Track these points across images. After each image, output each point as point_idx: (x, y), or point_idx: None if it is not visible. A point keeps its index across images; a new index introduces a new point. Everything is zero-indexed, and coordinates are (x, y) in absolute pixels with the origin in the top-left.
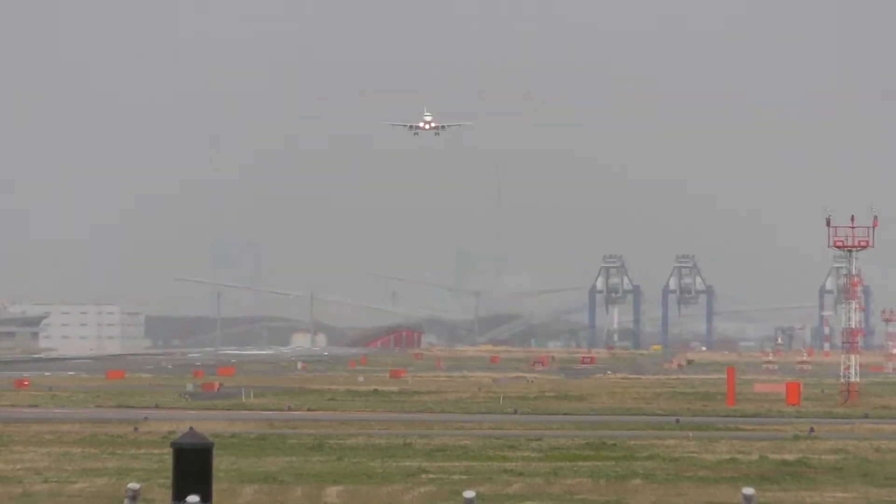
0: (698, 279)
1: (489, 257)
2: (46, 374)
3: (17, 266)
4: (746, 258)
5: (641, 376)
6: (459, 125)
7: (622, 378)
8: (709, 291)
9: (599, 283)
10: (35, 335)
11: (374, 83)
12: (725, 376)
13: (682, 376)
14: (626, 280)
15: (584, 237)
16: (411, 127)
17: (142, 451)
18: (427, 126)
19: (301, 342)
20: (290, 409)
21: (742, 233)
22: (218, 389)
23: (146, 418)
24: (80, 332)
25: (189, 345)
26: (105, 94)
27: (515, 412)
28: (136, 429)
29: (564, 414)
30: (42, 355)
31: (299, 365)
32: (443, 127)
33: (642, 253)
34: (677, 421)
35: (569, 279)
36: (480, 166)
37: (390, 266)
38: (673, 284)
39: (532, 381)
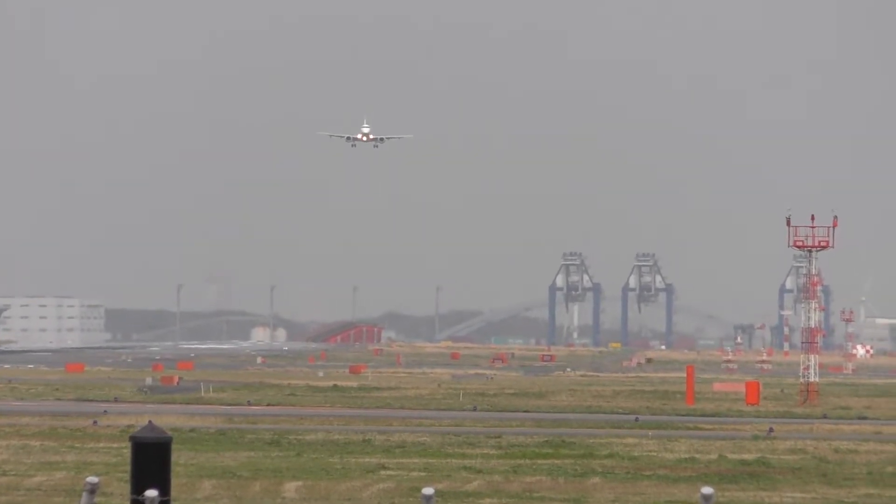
0: (658, 277)
1: (451, 253)
2: (6, 366)
3: None
4: (706, 257)
5: (601, 374)
6: (400, 138)
7: (582, 376)
8: (668, 289)
9: (559, 281)
10: None
11: (312, 92)
12: (685, 375)
13: (641, 374)
14: (586, 277)
15: (543, 234)
16: (349, 138)
17: (101, 444)
18: (365, 138)
19: (261, 337)
20: (249, 403)
21: (702, 231)
22: (177, 384)
23: (105, 412)
24: (39, 324)
25: (149, 338)
26: (61, 77)
27: (475, 409)
28: (95, 422)
29: (524, 411)
30: (1, 347)
31: (259, 359)
32: (381, 139)
33: (602, 251)
34: (637, 419)
35: (529, 276)
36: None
37: (351, 260)
38: (633, 282)
39: (492, 378)
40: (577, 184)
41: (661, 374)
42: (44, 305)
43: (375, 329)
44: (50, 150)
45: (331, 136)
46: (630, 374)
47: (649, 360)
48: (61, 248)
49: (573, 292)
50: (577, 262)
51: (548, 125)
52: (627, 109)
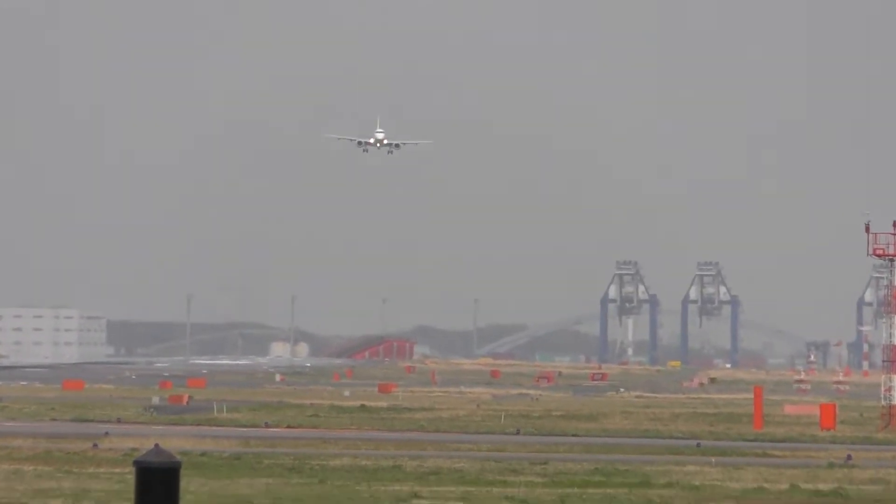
0: (722, 288)
1: (490, 261)
2: None
3: None
4: (776, 266)
5: (658, 395)
6: (416, 144)
7: (637, 397)
8: (733, 302)
9: (612, 292)
10: None
11: (321, 93)
12: (752, 396)
13: (703, 395)
14: (641, 288)
15: (595, 241)
16: (360, 143)
17: (101, 469)
18: (378, 144)
19: (280, 352)
20: (267, 425)
21: (771, 238)
22: (187, 403)
23: (107, 433)
24: (34, 337)
25: (155, 353)
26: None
27: (518, 432)
28: (95, 445)
29: (572, 435)
30: None
31: (278, 377)
32: (397, 145)
33: (660, 259)
34: (698, 445)
35: (578, 286)
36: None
37: (381, 269)
38: (694, 294)
39: (537, 399)
40: (631, 185)
41: (725, 396)
42: (39, 316)
43: (407, 344)
44: (44, 149)
45: (339, 139)
46: (691, 396)
47: (712, 380)
48: (58, 253)
49: (627, 304)
50: (632, 272)
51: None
52: None
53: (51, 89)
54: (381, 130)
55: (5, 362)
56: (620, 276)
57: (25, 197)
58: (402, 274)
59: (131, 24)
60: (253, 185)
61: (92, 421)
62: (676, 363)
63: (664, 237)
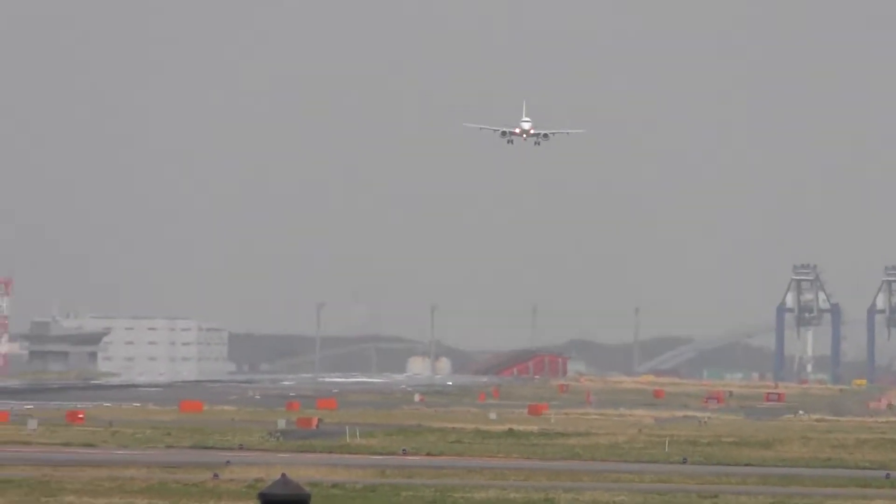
0: None
1: (653, 266)
2: (106, 404)
3: (75, 268)
4: None
5: (842, 418)
6: (568, 133)
7: (818, 420)
8: None
9: (789, 300)
10: (93, 356)
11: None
12: None
13: (893, 419)
14: (822, 296)
15: (770, 243)
16: (504, 133)
17: (222, 502)
18: (524, 135)
19: (419, 368)
20: (405, 452)
21: None
22: (316, 427)
23: (228, 462)
24: (147, 351)
25: (281, 370)
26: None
27: (685, 461)
28: (215, 475)
29: (746, 464)
30: (101, 381)
31: (417, 397)
32: (545, 135)
33: (843, 263)
34: (888, 476)
35: (751, 295)
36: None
37: (530, 276)
38: (881, 302)
39: (705, 422)
40: (811, 180)
41: None
42: (153, 329)
43: (559, 360)
44: (159, 152)
45: (481, 128)
46: (879, 419)
47: None
48: (173, 260)
49: (806, 314)
50: (812, 277)
51: (773, 97)
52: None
53: (159, 96)
54: (527, 119)
55: (116, 381)
56: (798, 282)
57: (135, 200)
58: (554, 281)
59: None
60: (386, 182)
61: (212, 448)
62: (862, 381)
63: (848, 237)
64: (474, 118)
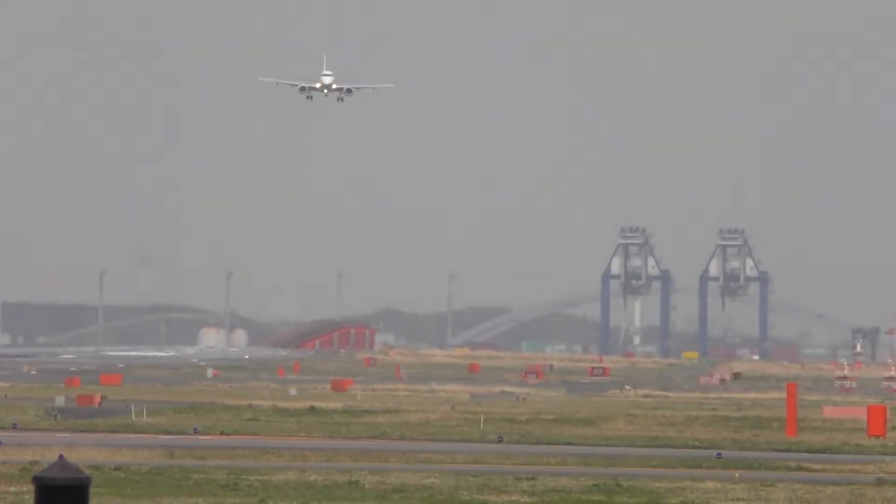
0: (749, 262)
1: (467, 230)
2: None
3: None
4: (813, 234)
5: (671, 394)
6: (373, 88)
7: (645, 396)
8: (763, 279)
9: (615, 266)
10: None
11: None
12: (784, 395)
13: (725, 394)
14: (651, 262)
15: (593, 204)
16: (303, 88)
17: None
18: (326, 90)
19: (213, 341)
20: (196, 431)
21: (807, 202)
22: (99, 404)
23: (0, 443)
24: None
25: (61, 342)
26: None
27: (500, 440)
28: None
29: (567, 443)
30: None
31: (210, 372)
32: (349, 90)
33: (673, 226)
34: (719, 455)
35: (573, 260)
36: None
37: (334, 239)
38: (714, 269)
39: (524, 399)
40: (636, 135)
41: (752, 395)
42: None
43: (367, 331)
44: None
45: (278, 83)
46: (711, 395)
47: (737, 376)
48: None
49: (634, 282)
50: (640, 241)
51: (599, 53)
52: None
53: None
54: (328, 73)
55: None
56: (626, 246)
57: None
58: (360, 245)
59: None
60: (178, 137)
61: None
62: (693, 354)
63: (678, 199)
64: (270, 72)
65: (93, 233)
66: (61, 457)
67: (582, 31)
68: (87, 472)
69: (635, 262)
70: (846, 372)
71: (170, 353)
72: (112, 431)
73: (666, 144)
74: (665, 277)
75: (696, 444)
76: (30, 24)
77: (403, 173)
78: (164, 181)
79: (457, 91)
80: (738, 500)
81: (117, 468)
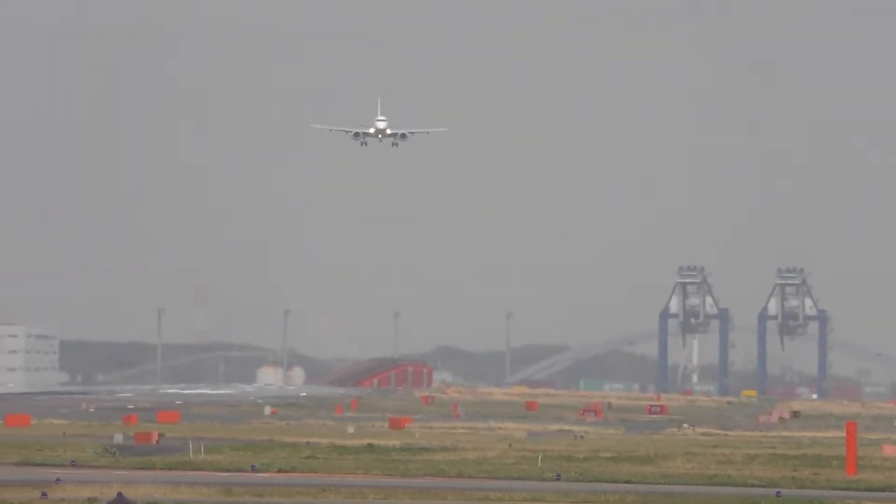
0: (808, 301)
1: (526, 269)
2: None
3: None
4: (872, 274)
5: (729, 432)
6: (428, 132)
7: (704, 434)
8: (822, 317)
9: (674, 305)
10: None
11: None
12: (844, 434)
13: (784, 433)
14: (709, 301)
15: (653, 243)
16: (357, 134)
17: None
18: (380, 135)
19: (270, 378)
20: (254, 469)
21: (866, 241)
22: (157, 442)
23: (59, 480)
24: None
25: (119, 380)
26: None
27: (558, 478)
28: (44, 494)
29: (625, 482)
30: None
31: (268, 409)
32: (403, 135)
33: (732, 265)
34: (778, 494)
35: (632, 299)
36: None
37: (392, 279)
38: (773, 308)
39: (582, 437)
40: (695, 174)
41: (811, 434)
42: None
43: (424, 369)
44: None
45: (331, 130)
46: (770, 433)
47: (796, 414)
48: (1, 260)
49: (692, 320)
50: (699, 280)
51: (642, 86)
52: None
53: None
54: (382, 118)
55: None
56: (684, 285)
57: None
58: (418, 284)
59: None
60: (229, 175)
61: (40, 465)
62: (752, 393)
63: (738, 239)
64: (323, 119)
65: (151, 271)
66: (120, 494)
67: (640, 74)
68: None
69: (693, 300)
70: None
71: (228, 391)
72: (170, 469)
73: (724, 184)
74: (723, 316)
75: (756, 482)
76: (73, 76)
77: (460, 212)
78: (221, 220)
79: (510, 132)
80: None
81: None
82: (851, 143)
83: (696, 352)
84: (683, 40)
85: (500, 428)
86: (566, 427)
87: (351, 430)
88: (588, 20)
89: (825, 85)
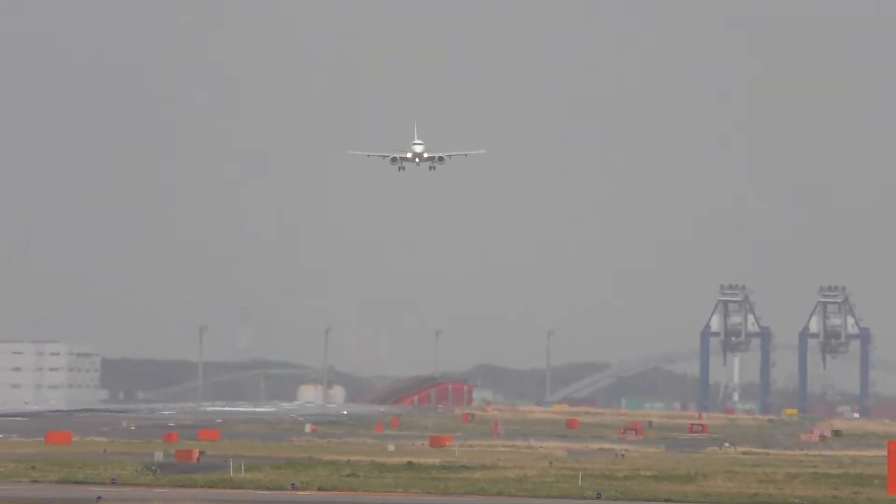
0: (850, 319)
1: (565, 287)
2: None
3: None
4: None
5: (770, 451)
6: (466, 155)
7: (745, 453)
8: (864, 336)
9: (715, 323)
10: None
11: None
12: (886, 453)
13: (826, 452)
14: (751, 319)
15: (695, 261)
16: (395, 159)
17: None
18: (417, 159)
19: (311, 396)
20: (294, 487)
21: None
22: (198, 459)
23: (100, 498)
24: (11, 378)
25: (160, 398)
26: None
27: (599, 497)
28: None
29: (666, 500)
30: None
31: (308, 427)
32: (440, 158)
33: (774, 284)
34: None
35: (673, 317)
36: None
37: (432, 297)
38: (815, 326)
39: (622, 455)
40: (736, 192)
41: (853, 452)
42: (18, 353)
43: (465, 387)
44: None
45: (369, 156)
46: (811, 452)
47: (837, 433)
48: (42, 278)
49: (733, 338)
50: (740, 299)
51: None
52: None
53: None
54: (419, 142)
55: None
56: (725, 303)
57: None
58: (458, 302)
59: None
60: (268, 199)
61: (81, 482)
62: (793, 411)
63: (779, 256)
64: (359, 144)
65: (192, 289)
66: None
67: (677, 88)
68: None
69: (735, 319)
70: None
71: (268, 409)
72: (210, 486)
73: (765, 202)
74: (765, 334)
75: (797, 501)
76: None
77: (500, 230)
78: (261, 240)
79: (550, 151)
80: None
81: None
82: (892, 156)
83: (737, 370)
84: (728, 73)
85: (541, 446)
86: (607, 445)
87: (391, 448)
88: (625, 51)
89: (866, 100)
